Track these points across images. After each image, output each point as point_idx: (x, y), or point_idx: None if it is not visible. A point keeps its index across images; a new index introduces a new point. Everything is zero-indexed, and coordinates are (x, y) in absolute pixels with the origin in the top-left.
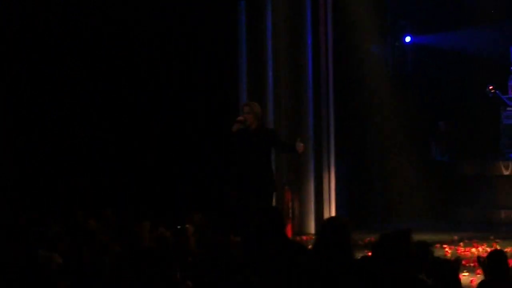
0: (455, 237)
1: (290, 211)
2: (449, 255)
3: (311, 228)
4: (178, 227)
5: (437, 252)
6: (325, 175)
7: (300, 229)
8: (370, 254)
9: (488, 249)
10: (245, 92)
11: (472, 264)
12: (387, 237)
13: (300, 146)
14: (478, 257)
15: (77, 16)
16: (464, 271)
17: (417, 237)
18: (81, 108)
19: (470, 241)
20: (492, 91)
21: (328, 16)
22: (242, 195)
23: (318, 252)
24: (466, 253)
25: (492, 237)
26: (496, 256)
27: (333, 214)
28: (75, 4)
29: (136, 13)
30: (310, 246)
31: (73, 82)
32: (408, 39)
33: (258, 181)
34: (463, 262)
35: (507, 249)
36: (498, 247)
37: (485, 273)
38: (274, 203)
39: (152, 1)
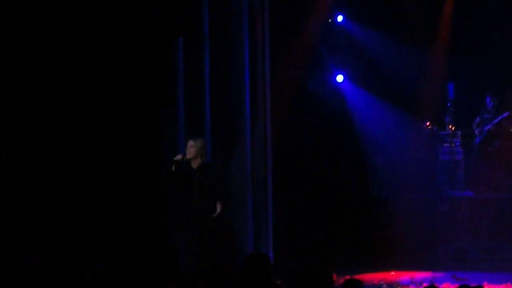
0: (392, 273)
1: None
2: None
3: None
4: None
5: None
6: (263, 213)
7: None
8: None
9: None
10: (182, 128)
11: None
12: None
13: (218, 207)
14: None
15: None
16: None
17: (355, 274)
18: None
19: (409, 278)
20: (429, 127)
21: (266, 53)
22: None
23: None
24: None
25: (431, 273)
26: None
27: (271, 251)
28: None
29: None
30: None
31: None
32: (340, 78)
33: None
34: None
35: (444, 286)
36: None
37: None
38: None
39: (90, 36)
